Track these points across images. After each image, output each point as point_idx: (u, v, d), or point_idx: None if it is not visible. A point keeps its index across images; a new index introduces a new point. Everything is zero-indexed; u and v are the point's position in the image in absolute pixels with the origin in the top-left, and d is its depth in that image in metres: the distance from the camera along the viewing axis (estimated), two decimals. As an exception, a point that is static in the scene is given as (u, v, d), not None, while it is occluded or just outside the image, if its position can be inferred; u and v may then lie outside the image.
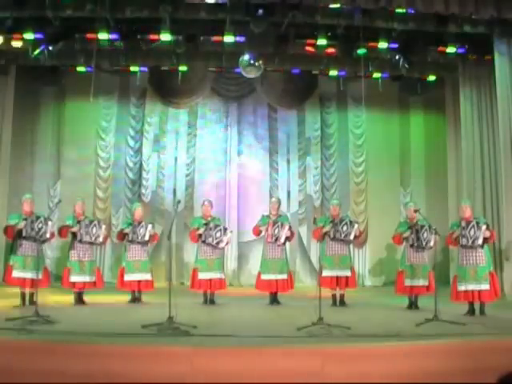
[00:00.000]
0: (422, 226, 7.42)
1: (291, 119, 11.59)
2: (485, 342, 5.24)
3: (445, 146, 10.92)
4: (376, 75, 10.49)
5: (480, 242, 6.89)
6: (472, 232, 6.90)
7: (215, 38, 9.02)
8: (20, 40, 8.89)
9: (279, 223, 8.01)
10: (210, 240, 7.87)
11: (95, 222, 7.81)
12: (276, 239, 7.97)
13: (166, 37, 8.80)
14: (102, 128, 11.32)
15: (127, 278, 8.00)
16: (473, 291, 6.89)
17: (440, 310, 6.11)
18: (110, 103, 11.36)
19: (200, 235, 7.94)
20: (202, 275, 7.93)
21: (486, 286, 6.85)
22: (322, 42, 9.03)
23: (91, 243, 7.76)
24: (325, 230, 7.84)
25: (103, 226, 7.84)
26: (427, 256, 7.67)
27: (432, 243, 7.35)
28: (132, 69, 10.58)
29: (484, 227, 6.91)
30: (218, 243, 7.90)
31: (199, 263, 8.01)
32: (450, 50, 9.17)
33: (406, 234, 7.64)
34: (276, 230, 7.97)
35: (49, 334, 5.32)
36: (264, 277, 8.05)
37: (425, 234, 7.39)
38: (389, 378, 4.51)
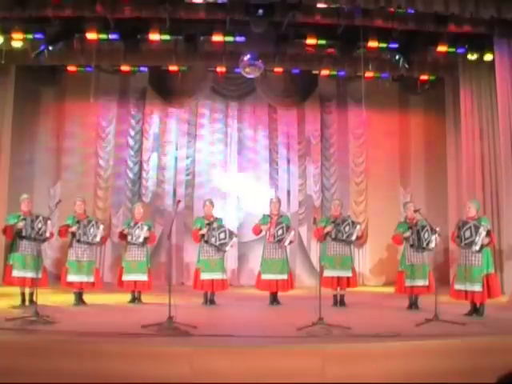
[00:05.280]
0: (423, 227, 7.36)
1: (291, 119, 11.58)
2: (485, 342, 5.23)
3: (445, 146, 10.91)
4: (376, 75, 10.49)
5: (478, 247, 6.77)
6: (468, 233, 6.83)
7: (215, 38, 9.01)
8: (20, 40, 8.90)
9: (284, 225, 7.99)
10: (212, 240, 7.86)
11: (93, 222, 7.80)
12: (279, 240, 7.95)
13: (166, 37, 8.81)
14: (102, 128, 11.32)
15: (125, 278, 8.03)
16: (466, 291, 6.88)
17: (440, 310, 6.11)
18: (110, 103, 11.35)
19: (203, 235, 7.94)
20: (204, 275, 7.92)
21: (478, 288, 6.80)
22: (322, 41, 9.04)
23: (89, 243, 7.74)
24: (326, 230, 7.86)
25: (101, 226, 7.82)
26: (427, 256, 7.66)
27: (433, 244, 7.24)
28: (132, 69, 10.58)
29: (484, 234, 6.77)
30: (221, 245, 7.89)
31: (201, 264, 7.99)
32: (450, 50, 9.18)
33: (407, 234, 7.62)
34: (280, 231, 7.96)
35: (49, 333, 5.32)
36: (264, 277, 8.05)
37: (426, 235, 7.32)
38: (389, 378, 4.51)
